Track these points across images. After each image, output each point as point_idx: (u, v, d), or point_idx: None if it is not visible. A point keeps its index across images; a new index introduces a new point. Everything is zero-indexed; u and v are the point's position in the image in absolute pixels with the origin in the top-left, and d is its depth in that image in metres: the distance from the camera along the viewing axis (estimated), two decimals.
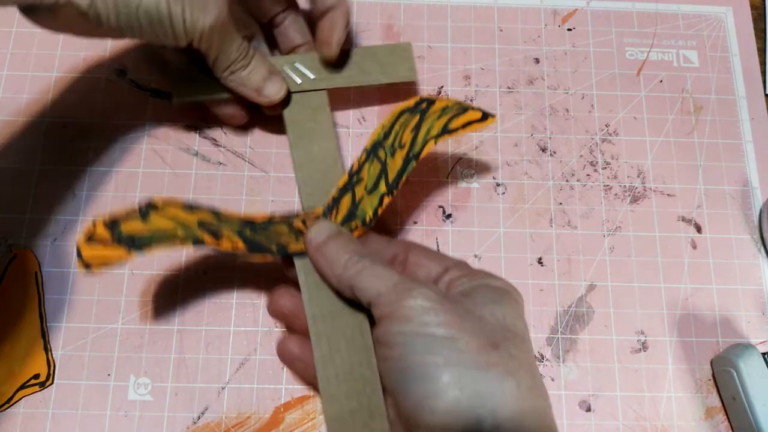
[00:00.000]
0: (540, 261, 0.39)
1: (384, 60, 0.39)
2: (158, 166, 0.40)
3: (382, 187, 0.34)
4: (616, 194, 0.41)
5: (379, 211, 0.33)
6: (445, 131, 0.35)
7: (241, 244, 0.31)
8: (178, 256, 0.38)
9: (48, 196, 0.39)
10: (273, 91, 0.37)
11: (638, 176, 0.41)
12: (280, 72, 0.38)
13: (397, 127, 0.35)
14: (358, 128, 0.41)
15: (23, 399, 0.35)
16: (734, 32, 0.45)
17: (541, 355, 0.37)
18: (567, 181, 0.41)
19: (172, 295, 0.37)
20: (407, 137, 0.35)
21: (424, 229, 0.39)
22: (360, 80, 0.39)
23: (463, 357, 0.26)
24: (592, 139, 0.42)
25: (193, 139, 0.40)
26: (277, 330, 0.37)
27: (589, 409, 0.36)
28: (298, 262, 0.32)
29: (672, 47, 0.44)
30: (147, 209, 0.31)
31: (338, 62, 0.39)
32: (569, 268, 0.39)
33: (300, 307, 0.32)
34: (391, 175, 0.34)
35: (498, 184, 0.40)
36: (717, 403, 0.37)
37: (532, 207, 0.40)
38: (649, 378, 0.37)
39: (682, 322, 0.38)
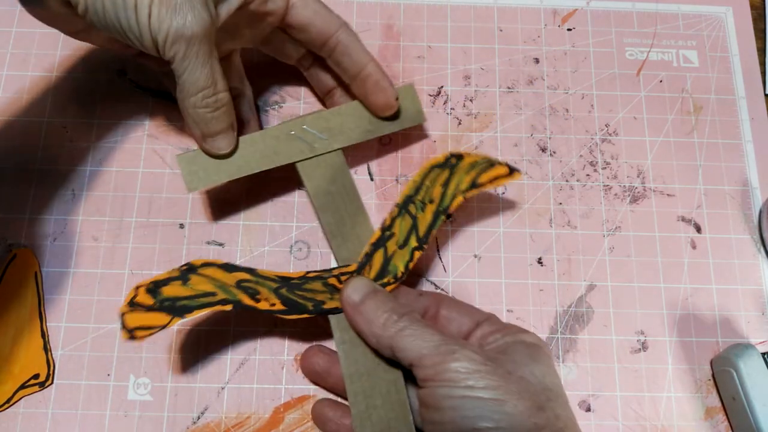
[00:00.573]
0: (540, 261, 0.39)
1: None
2: (158, 166, 0.40)
3: (413, 242, 0.35)
4: (616, 194, 0.41)
5: (410, 266, 0.34)
6: (474, 186, 0.36)
7: (278, 304, 0.32)
8: (177, 256, 0.38)
9: (48, 196, 0.39)
10: (219, 146, 0.34)
11: (638, 176, 0.41)
12: (289, 139, 0.36)
13: (427, 182, 0.36)
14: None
15: (23, 399, 0.35)
16: (734, 32, 0.45)
17: None
18: (567, 181, 0.41)
19: None
20: (437, 192, 0.35)
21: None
22: (372, 132, 0.38)
23: (512, 420, 0.26)
24: (592, 139, 0.42)
25: (193, 139, 0.40)
26: (276, 330, 0.37)
27: (589, 409, 0.36)
28: (334, 320, 0.33)
29: (672, 47, 0.44)
30: (187, 272, 0.32)
31: (347, 120, 0.38)
32: (569, 268, 0.39)
33: (331, 364, 0.33)
34: (422, 230, 0.35)
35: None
36: (717, 403, 0.37)
37: (532, 207, 0.40)
38: (649, 378, 0.37)
39: (682, 322, 0.38)
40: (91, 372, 0.36)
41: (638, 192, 0.41)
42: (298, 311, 0.32)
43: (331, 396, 0.36)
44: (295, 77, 0.42)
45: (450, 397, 0.27)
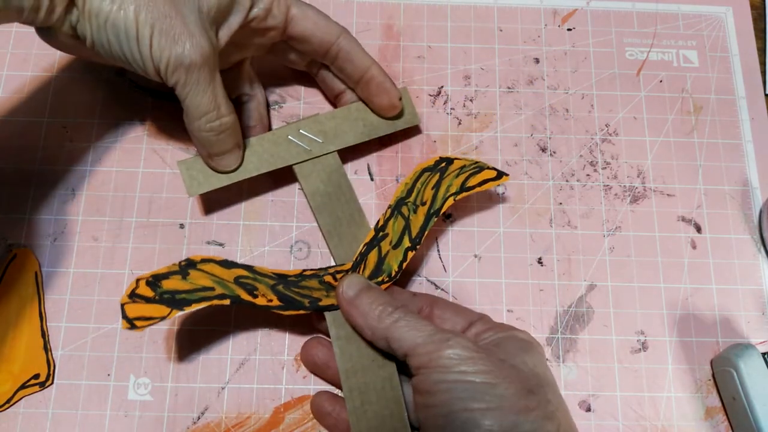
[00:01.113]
0: (540, 261, 0.39)
1: None
2: (158, 166, 0.40)
3: (406, 242, 0.35)
4: (616, 194, 0.41)
5: (404, 265, 0.35)
6: (464, 189, 0.36)
7: (275, 300, 0.33)
8: (177, 256, 0.38)
9: (48, 196, 0.39)
10: (227, 164, 0.36)
11: (638, 176, 0.41)
12: (286, 142, 0.37)
13: (418, 185, 0.37)
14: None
15: (23, 399, 0.35)
16: (734, 32, 0.45)
17: None
18: (567, 181, 0.41)
19: None
20: (428, 195, 0.36)
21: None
22: (367, 135, 0.39)
23: (503, 402, 0.27)
24: (592, 139, 0.42)
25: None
26: (276, 330, 0.37)
27: (589, 409, 0.36)
28: (329, 316, 0.34)
29: (672, 47, 0.44)
30: (187, 267, 0.33)
31: (342, 123, 0.39)
32: (569, 268, 0.39)
33: (331, 357, 0.34)
34: (414, 231, 0.36)
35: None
36: (717, 403, 0.37)
37: (532, 207, 0.40)
38: (649, 378, 0.37)
39: (682, 322, 0.38)
40: (91, 372, 0.36)
41: (638, 192, 0.41)
42: (295, 307, 0.33)
43: (331, 388, 0.36)
44: (295, 78, 0.42)
45: (443, 381, 0.28)
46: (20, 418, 0.35)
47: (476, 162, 0.38)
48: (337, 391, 0.35)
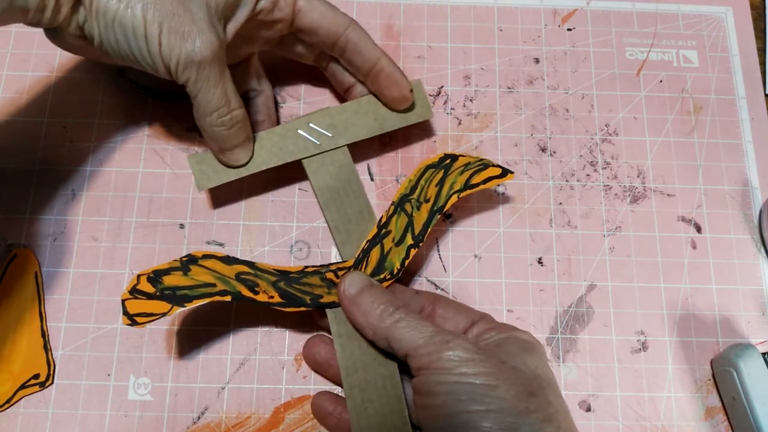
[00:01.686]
0: (540, 261, 0.39)
1: None
2: (158, 166, 0.40)
3: (409, 239, 0.35)
4: (616, 194, 0.41)
5: (406, 263, 0.35)
6: (468, 186, 0.36)
7: (276, 297, 0.33)
8: (177, 256, 0.38)
9: (48, 196, 0.39)
10: (237, 158, 0.36)
11: (638, 176, 0.41)
12: (296, 136, 0.37)
13: (422, 181, 0.37)
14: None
15: (23, 399, 0.35)
16: (734, 32, 0.45)
17: None
18: (567, 181, 0.41)
19: None
20: (432, 192, 0.36)
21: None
22: (378, 128, 0.38)
23: (503, 404, 0.27)
24: (592, 139, 0.42)
25: (193, 139, 0.40)
26: (277, 330, 0.37)
27: (589, 409, 0.36)
28: (331, 313, 0.33)
29: (672, 47, 0.44)
30: (188, 263, 0.33)
31: (352, 116, 0.38)
32: (569, 268, 0.39)
33: (332, 355, 0.34)
34: (417, 228, 0.35)
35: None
36: (717, 403, 0.37)
37: (532, 207, 0.40)
38: (649, 378, 0.37)
39: (682, 322, 0.38)
40: (92, 372, 0.36)
41: (638, 192, 0.41)
42: (296, 304, 0.33)
43: (332, 387, 0.36)
44: (295, 77, 0.42)
45: (443, 383, 0.28)
46: (20, 418, 0.35)
47: (481, 159, 0.38)
48: (338, 390, 0.35)
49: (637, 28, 0.45)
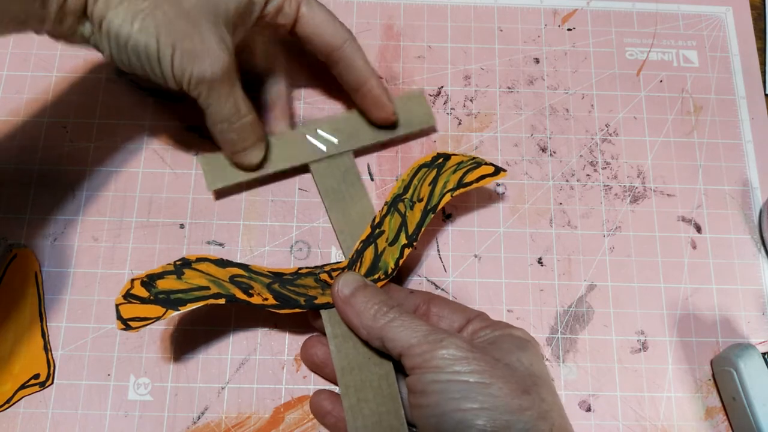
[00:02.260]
0: (540, 261, 0.39)
1: (401, 110, 0.40)
2: (158, 166, 0.40)
3: (403, 239, 0.35)
4: (616, 194, 0.41)
5: (400, 263, 0.35)
6: (461, 185, 0.36)
7: (271, 299, 0.33)
8: (177, 256, 0.38)
9: (48, 196, 0.39)
10: (250, 159, 0.37)
11: (638, 176, 0.41)
12: (304, 142, 0.38)
13: (415, 181, 0.37)
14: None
15: (23, 399, 0.35)
16: (734, 32, 0.45)
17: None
18: (567, 181, 0.41)
19: None
20: (425, 191, 0.36)
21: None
22: (382, 136, 0.40)
23: (497, 402, 0.27)
24: (592, 139, 0.42)
25: (193, 139, 0.40)
26: (277, 330, 0.37)
27: (589, 409, 0.36)
28: (325, 314, 0.33)
29: (672, 47, 0.44)
30: (182, 266, 0.33)
31: (357, 124, 0.40)
32: (569, 268, 0.39)
33: (329, 355, 0.33)
34: (411, 227, 0.35)
35: (498, 184, 0.40)
36: (717, 403, 0.37)
37: (532, 207, 0.40)
38: (649, 378, 0.37)
39: (682, 322, 0.38)
40: (92, 372, 0.36)
41: (638, 192, 0.41)
42: (290, 306, 0.33)
43: (331, 387, 0.36)
44: (294, 78, 0.42)
45: (436, 381, 0.28)
46: (20, 418, 0.35)
47: (474, 158, 0.38)
48: (337, 389, 0.35)
49: (637, 28, 0.45)
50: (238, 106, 0.34)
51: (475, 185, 0.36)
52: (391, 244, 0.35)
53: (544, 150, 0.41)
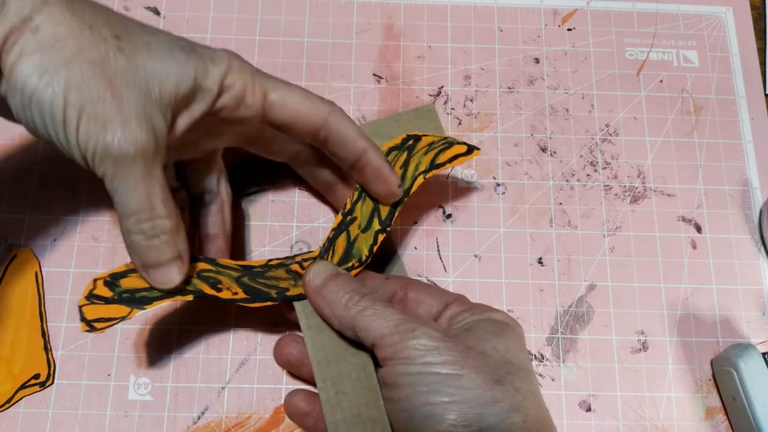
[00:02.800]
0: (540, 261, 0.39)
1: (411, 125, 0.39)
2: None
3: (376, 225, 0.34)
4: (616, 194, 0.41)
5: (374, 249, 0.33)
6: (433, 166, 0.35)
7: (241, 293, 0.32)
8: None
9: (48, 196, 0.39)
10: (160, 280, 0.30)
11: (638, 176, 0.41)
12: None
13: None
14: None
15: (23, 399, 0.35)
16: (734, 32, 0.45)
17: (541, 355, 0.37)
18: (567, 181, 0.41)
19: None
20: (397, 174, 0.34)
21: (424, 229, 0.39)
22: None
23: (468, 394, 0.26)
24: (592, 139, 0.42)
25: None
26: (277, 329, 0.37)
27: (589, 409, 0.36)
28: (299, 306, 0.32)
29: (672, 47, 0.44)
30: None
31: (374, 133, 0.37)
32: (569, 268, 0.39)
33: (305, 353, 0.32)
34: (384, 213, 0.34)
35: (498, 184, 0.40)
36: (717, 403, 0.37)
37: (532, 207, 0.40)
38: (649, 378, 0.37)
39: (682, 322, 0.38)
40: (92, 372, 0.36)
41: (638, 192, 0.41)
42: (261, 299, 0.32)
43: (306, 387, 0.35)
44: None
45: (407, 374, 0.27)
46: (20, 418, 0.35)
47: (445, 137, 0.37)
48: (315, 389, 0.34)
49: (637, 28, 0.45)
50: (152, 202, 0.28)
51: (448, 165, 0.35)
52: (364, 230, 0.34)
53: (544, 150, 0.41)
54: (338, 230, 0.34)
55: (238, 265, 0.34)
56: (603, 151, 0.42)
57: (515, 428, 0.26)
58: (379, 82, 0.42)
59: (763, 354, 0.34)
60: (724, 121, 0.43)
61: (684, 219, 0.40)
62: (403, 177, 0.35)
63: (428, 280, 0.38)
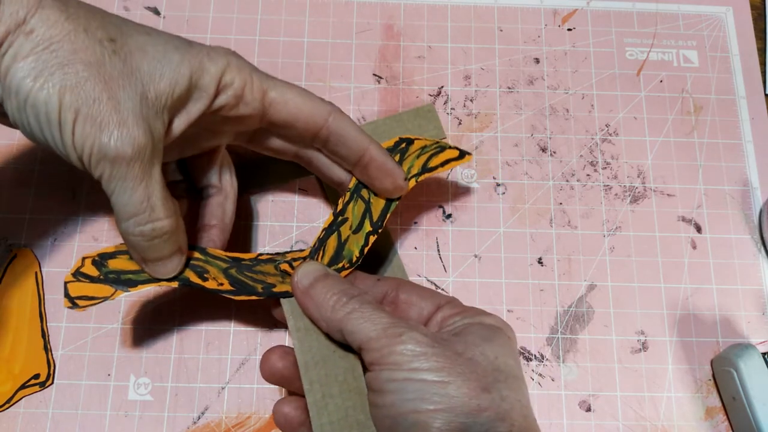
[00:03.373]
0: (540, 261, 0.39)
1: (411, 125, 0.39)
2: None
3: (367, 226, 0.34)
4: (616, 194, 0.41)
5: (365, 250, 0.33)
6: (425, 170, 0.35)
7: (226, 284, 0.31)
8: None
9: (48, 196, 0.39)
10: (164, 271, 0.30)
11: (638, 176, 0.41)
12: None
13: None
14: None
15: (23, 399, 0.35)
16: (734, 32, 0.45)
17: (541, 355, 0.37)
18: (567, 181, 0.41)
19: (172, 294, 0.37)
20: None
21: (424, 229, 0.39)
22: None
23: (453, 402, 0.25)
24: (592, 139, 0.42)
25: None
26: (277, 329, 0.37)
27: (589, 409, 0.36)
28: (287, 306, 0.32)
29: (672, 47, 0.44)
30: None
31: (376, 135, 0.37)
32: (569, 268, 0.39)
33: (295, 367, 0.31)
34: (375, 214, 0.34)
35: (498, 184, 0.40)
36: (717, 403, 0.37)
37: (532, 207, 0.40)
38: (649, 378, 0.37)
39: (682, 322, 0.38)
40: (92, 372, 0.36)
41: (638, 192, 0.41)
42: (246, 293, 0.31)
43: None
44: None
45: (393, 380, 0.26)
46: (20, 418, 0.35)
47: (437, 141, 0.37)
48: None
49: (637, 28, 0.45)
50: (151, 203, 0.28)
51: (440, 169, 0.35)
52: (355, 231, 0.34)
53: (544, 150, 0.41)
54: (329, 230, 0.34)
55: (227, 257, 0.33)
56: (603, 151, 0.42)
57: None
58: (379, 82, 0.43)
59: (763, 354, 0.34)
60: (724, 121, 0.43)
61: (684, 219, 0.40)
62: None
63: (428, 280, 0.38)
